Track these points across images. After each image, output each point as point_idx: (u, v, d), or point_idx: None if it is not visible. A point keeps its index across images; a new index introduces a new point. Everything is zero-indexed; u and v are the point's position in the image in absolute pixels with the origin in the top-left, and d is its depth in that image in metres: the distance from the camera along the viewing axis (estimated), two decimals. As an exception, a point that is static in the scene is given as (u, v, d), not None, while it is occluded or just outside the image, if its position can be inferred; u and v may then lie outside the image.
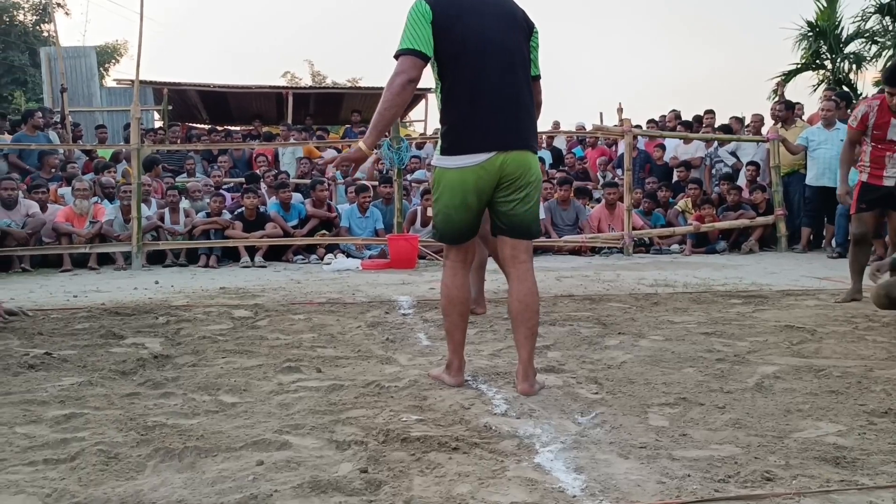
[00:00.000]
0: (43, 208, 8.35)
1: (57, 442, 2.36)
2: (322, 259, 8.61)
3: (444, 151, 2.88)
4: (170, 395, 2.93)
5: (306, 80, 30.22)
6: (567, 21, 63.65)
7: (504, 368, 3.26)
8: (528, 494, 1.90)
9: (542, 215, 9.39)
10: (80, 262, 8.17)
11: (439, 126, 2.95)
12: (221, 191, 9.70)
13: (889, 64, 5.23)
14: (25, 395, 2.93)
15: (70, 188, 8.81)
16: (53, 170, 9.80)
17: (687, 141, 10.96)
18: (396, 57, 2.80)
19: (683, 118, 12.07)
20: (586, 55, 64.55)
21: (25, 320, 4.24)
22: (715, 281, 6.33)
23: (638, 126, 11.46)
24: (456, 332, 3.04)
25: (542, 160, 11.71)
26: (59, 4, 25.18)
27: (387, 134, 8.23)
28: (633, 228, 9.17)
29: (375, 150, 11.14)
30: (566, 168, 11.93)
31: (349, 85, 27.41)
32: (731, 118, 11.76)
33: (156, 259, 8.49)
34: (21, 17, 24.17)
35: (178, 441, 2.31)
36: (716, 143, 10.65)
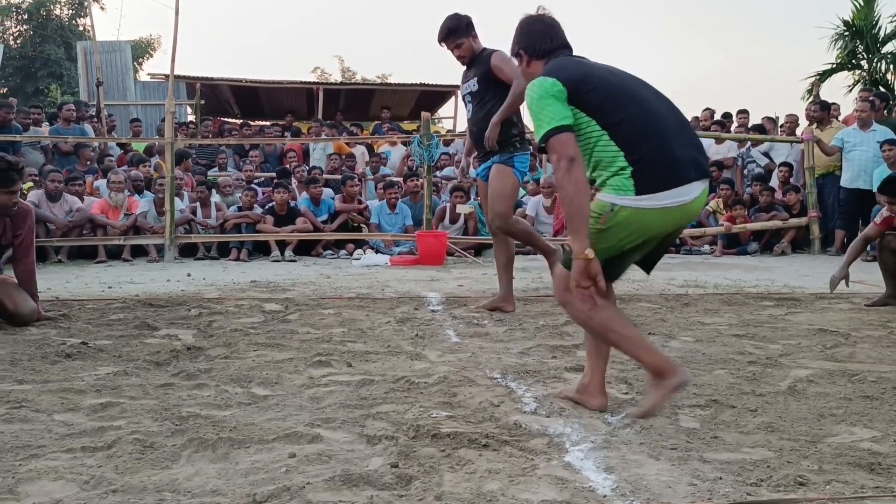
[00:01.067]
0: (80, 200, 8.51)
1: (94, 430, 2.41)
2: (351, 254, 8.67)
3: (638, 191, 2.44)
4: (203, 387, 2.97)
5: (336, 76, 30.41)
6: (596, 20, 63.31)
7: (533, 367, 3.26)
8: (558, 493, 1.90)
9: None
10: (115, 254, 8.31)
11: (613, 168, 2.51)
12: (253, 185, 9.80)
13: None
14: (63, 384, 2.99)
15: (105, 181, 8.96)
16: (89, 162, 9.96)
17: (719, 141, 10.85)
18: (543, 145, 2.50)
19: (715, 118, 11.94)
20: (616, 54, 64.14)
21: (62, 324, 4.30)
22: (746, 283, 6.27)
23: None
24: (637, 341, 2.58)
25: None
26: (94, -1, 25.58)
27: (417, 131, 8.27)
28: (664, 228, 9.09)
29: (406, 147, 11.21)
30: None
31: (379, 81, 27.49)
32: (763, 118, 11.63)
33: (188, 252, 8.60)
34: (57, 12, 24.55)
35: (212, 432, 2.34)
36: (748, 144, 10.54)
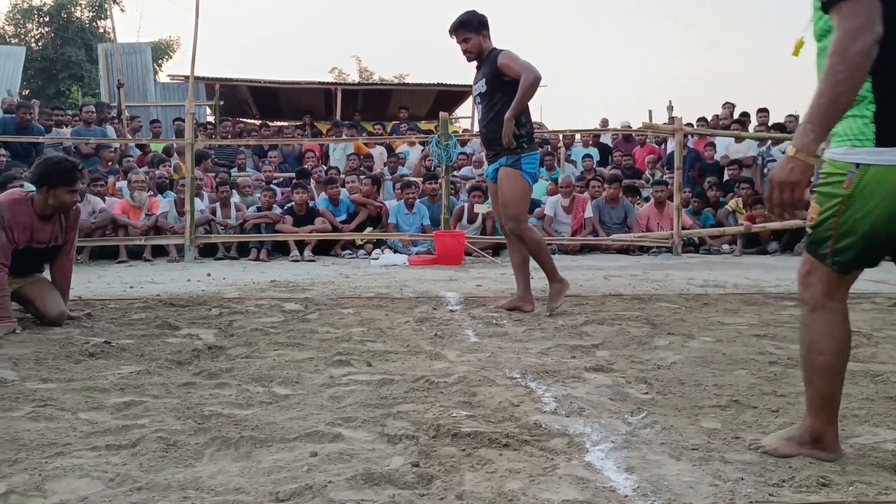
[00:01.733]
0: (102, 201, 8.60)
1: (118, 428, 2.44)
2: (369, 254, 8.69)
3: (880, 141, 1.91)
4: (224, 386, 2.99)
5: (353, 77, 30.47)
6: (615, 17, 63.03)
7: (553, 367, 3.26)
8: (579, 493, 1.90)
9: (590, 213, 9.35)
10: (135, 254, 8.39)
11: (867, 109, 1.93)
12: (272, 185, 9.85)
13: None
14: (87, 382, 3.02)
15: (126, 181, 9.04)
16: (110, 163, 10.06)
17: (739, 139, 10.78)
18: (828, 7, 1.90)
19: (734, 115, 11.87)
20: (636, 51, 63.82)
21: (85, 323, 4.35)
22: (766, 282, 6.23)
23: (689, 124, 11.31)
24: (833, 391, 2.14)
25: (589, 157, 11.65)
26: (114, 1, 25.80)
27: (434, 131, 8.28)
28: (683, 228, 9.06)
29: (423, 147, 11.23)
30: (614, 165, 11.83)
31: (396, 81, 27.52)
32: (787, 117, 11.53)
33: (208, 252, 8.66)
34: (78, 14, 24.78)
35: (234, 430, 2.36)
36: (769, 142, 10.46)
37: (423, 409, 2.64)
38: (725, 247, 9.41)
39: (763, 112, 11.40)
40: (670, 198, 9.26)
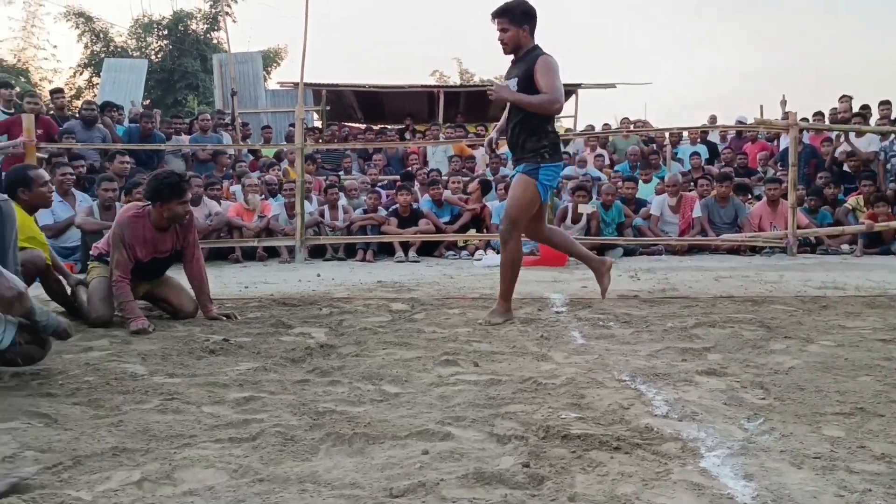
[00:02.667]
0: (217, 204, 9.00)
1: (239, 422, 2.55)
2: (473, 255, 8.74)
3: None
4: (337, 384, 3.08)
5: (454, 79, 30.65)
6: (719, 10, 60.93)
7: (663, 370, 3.19)
8: (695, 499, 1.86)
9: (698, 212, 9.10)
10: (249, 255, 8.74)
11: None
12: (377, 188, 10.05)
13: None
14: (209, 378, 3.17)
15: (240, 185, 9.43)
16: (225, 168, 10.50)
17: (859, 134, 10.25)
18: None
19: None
20: (746, 46, 61.50)
21: (234, 321, 4.57)
22: (891, 285, 5.89)
23: (804, 119, 10.84)
24: None
25: (697, 154, 11.34)
26: (227, 13, 26.91)
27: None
28: (798, 227, 8.69)
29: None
30: (725, 163, 11.46)
31: (497, 82, 27.49)
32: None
33: (317, 253, 8.92)
34: (194, 27, 25.97)
35: (348, 427, 2.43)
36: (892, 137, 9.89)
37: (532, 409, 2.64)
38: (845, 247, 8.96)
39: (885, 105, 10.78)
40: (784, 196, 8.90)
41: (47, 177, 4.70)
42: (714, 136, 13.12)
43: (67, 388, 2.98)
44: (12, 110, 9.38)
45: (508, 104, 4.58)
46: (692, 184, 10.17)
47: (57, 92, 10.57)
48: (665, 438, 2.31)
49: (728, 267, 7.35)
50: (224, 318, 4.56)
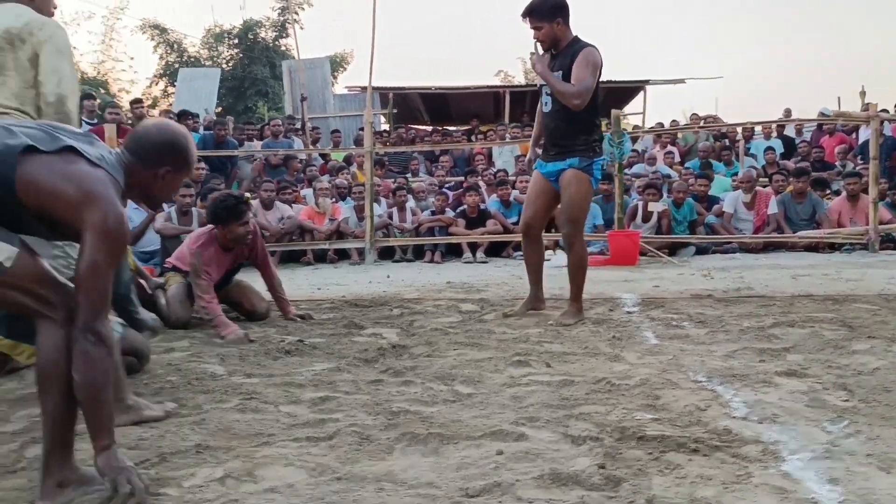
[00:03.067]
0: (289, 208, 9.19)
1: (316, 421, 2.60)
2: (541, 255, 8.68)
3: None
4: (409, 384, 3.11)
5: (519, 79, 30.50)
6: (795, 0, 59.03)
7: (740, 370, 3.12)
8: (778, 503, 1.82)
9: (774, 209, 8.86)
10: (320, 257, 8.90)
11: None
12: (444, 189, 10.10)
13: None
14: (285, 378, 3.25)
15: (311, 189, 9.60)
16: (296, 172, 10.71)
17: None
18: None
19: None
20: (820, 36, 59.47)
21: (308, 322, 4.69)
22: (984, 281, 5.63)
23: (884, 110, 10.43)
24: None
25: (772, 149, 11.04)
26: (295, 20, 27.41)
27: (607, 128, 8.18)
28: (880, 223, 8.36)
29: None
30: (801, 157, 11.12)
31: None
32: None
33: (385, 254, 9.02)
34: (263, 34, 26.51)
35: (422, 427, 2.45)
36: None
37: (606, 410, 2.62)
38: (932, 242, 8.59)
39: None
40: (865, 190, 8.58)
41: None
42: (789, 130, 12.74)
43: (152, 388, 3.10)
44: (95, 121, 9.76)
45: (548, 98, 4.49)
46: (767, 179, 9.90)
47: (136, 102, 10.95)
48: (745, 441, 2.26)
49: (806, 265, 7.13)
50: (300, 319, 4.66)
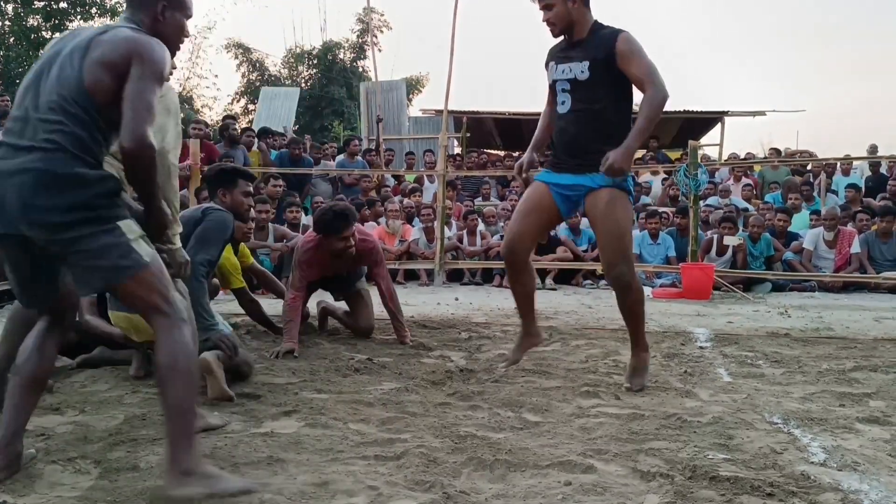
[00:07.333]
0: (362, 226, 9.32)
1: (384, 441, 2.63)
2: (611, 285, 8.58)
3: None
4: (477, 408, 3.11)
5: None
6: (881, 35, 57.22)
7: (818, 414, 3.02)
8: (858, 555, 1.75)
9: (857, 248, 8.57)
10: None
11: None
12: (515, 214, 10.07)
13: None
14: (354, 396, 3.29)
15: (383, 209, 9.72)
16: (370, 193, 10.86)
17: None
18: None
19: None
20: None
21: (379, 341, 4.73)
22: None
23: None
24: None
25: (855, 188, 10.69)
26: (374, 43, 27.95)
27: (681, 159, 8.06)
28: (971, 266, 7.98)
29: (667, 176, 10.95)
30: (888, 195, 10.72)
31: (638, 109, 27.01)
32: None
33: (454, 277, 9.04)
34: (342, 56, 27.10)
35: (489, 453, 2.45)
36: None
37: (677, 447, 2.57)
38: None
39: None
40: (956, 232, 8.22)
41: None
42: (882, 167, 12.28)
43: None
44: (180, 136, 10.08)
45: (567, 96, 3.58)
46: (850, 217, 9.58)
47: (229, 118, 11.22)
48: (823, 488, 2.19)
49: (890, 307, 6.86)
50: (409, 344, 4.59)
